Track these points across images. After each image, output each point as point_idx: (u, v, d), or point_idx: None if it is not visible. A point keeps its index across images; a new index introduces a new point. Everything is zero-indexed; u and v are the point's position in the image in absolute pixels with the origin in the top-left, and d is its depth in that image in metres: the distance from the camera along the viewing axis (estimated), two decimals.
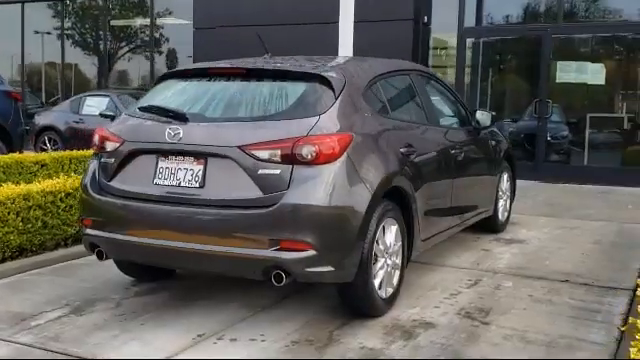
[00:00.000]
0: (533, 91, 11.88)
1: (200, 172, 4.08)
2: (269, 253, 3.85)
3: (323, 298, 4.73)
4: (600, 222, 7.84)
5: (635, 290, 5.00)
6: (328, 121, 4.08)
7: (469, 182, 5.91)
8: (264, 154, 3.93)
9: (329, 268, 3.91)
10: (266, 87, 4.37)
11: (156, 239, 4.13)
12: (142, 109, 4.45)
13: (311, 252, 3.84)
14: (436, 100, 5.75)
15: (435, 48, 12.83)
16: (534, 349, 3.94)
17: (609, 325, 4.37)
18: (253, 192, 3.93)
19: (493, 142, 6.69)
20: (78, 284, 5.10)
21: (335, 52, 11.06)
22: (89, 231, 4.43)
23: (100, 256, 4.44)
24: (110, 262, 5.48)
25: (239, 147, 3.96)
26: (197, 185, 4.07)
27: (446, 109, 5.91)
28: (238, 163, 3.97)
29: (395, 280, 4.52)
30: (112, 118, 9.24)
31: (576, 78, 11.71)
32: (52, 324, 4.23)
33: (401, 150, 4.59)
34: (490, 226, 6.84)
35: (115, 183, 4.36)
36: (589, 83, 11.72)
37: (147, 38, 16.66)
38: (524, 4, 12.17)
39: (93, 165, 4.55)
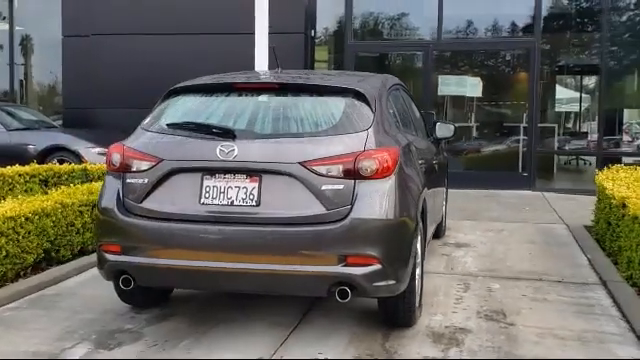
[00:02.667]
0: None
1: (255, 190, 3.95)
2: (338, 269, 3.83)
3: (339, 309, 4.75)
4: (515, 224, 8.50)
5: (605, 284, 5.56)
6: (376, 135, 4.14)
7: (438, 191, 6.19)
8: (327, 169, 3.89)
9: (391, 281, 3.96)
10: (303, 102, 4.30)
11: (204, 261, 3.93)
12: (174, 126, 4.21)
13: (377, 266, 3.87)
14: (412, 112, 5.96)
15: (321, 61, 13.10)
16: (573, 344, 4.25)
17: (610, 317, 4.80)
18: (316, 208, 3.88)
19: (444, 152, 7.05)
20: (75, 316, 4.67)
21: (246, 63, 10.99)
22: (114, 258, 4.10)
23: (127, 284, 4.12)
24: (91, 290, 5.15)
25: (301, 163, 3.89)
26: (253, 203, 3.94)
27: (418, 121, 6.14)
28: (298, 179, 3.90)
29: (419, 289, 4.65)
30: None
31: (456, 91, 12.55)
32: None
33: (419, 161, 4.75)
34: (436, 232, 7.17)
35: (149, 204, 4.07)
36: (468, 95, 12.64)
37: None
38: (408, 21, 12.81)
39: (114, 185, 4.21)
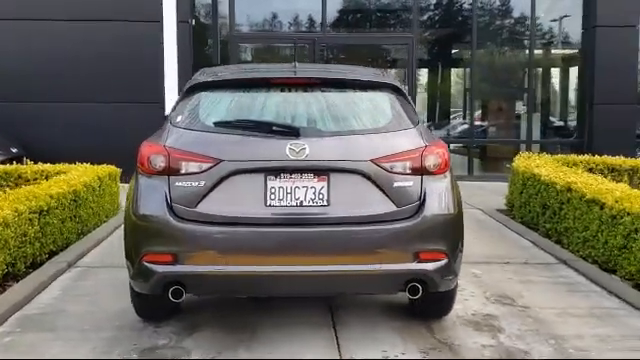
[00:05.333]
0: None
1: (324, 189, 3.81)
2: (413, 266, 3.82)
3: (358, 306, 4.75)
4: None
5: (566, 263, 6.04)
6: (425, 130, 4.18)
7: None
8: (396, 166, 3.86)
9: (453, 274, 4.03)
10: (349, 97, 4.19)
11: (274, 266, 3.74)
12: (225, 124, 3.93)
13: (445, 260, 3.91)
14: None
15: (204, 51, 12.72)
16: (593, 321, 4.58)
17: (597, 293, 5.23)
18: (386, 206, 3.84)
19: None
20: (90, 335, 4.21)
21: (152, 52, 10.41)
22: (166, 269, 3.75)
23: (177, 295, 3.80)
24: (77, 307, 4.72)
25: (372, 160, 3.82)
26: (324, 203, 3.79)
27: None
28: (367, 177, 3.82)
29: None
30: None
31: None
32: None
33: None
34: None
35: (205, 208, 3.76)
36: None
37: None
38: (294, 13, 12.79)
39: (156, 189, 3.82)
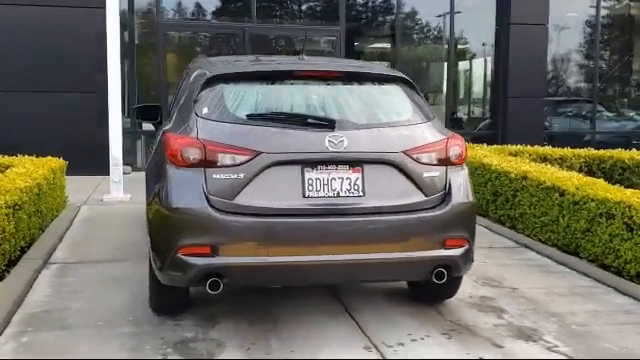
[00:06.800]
0: None
1: (359, 180, 3.91)
2: (442, 252, 4.01)
3: (361, 293, 4.91)
4: None
5: (526, 246, 6.46)
6: (440, 123, 4.37)
7: None
8: (425, 157, 4.03)
9: (472, 260, 4.26)
10: (371, 90, 4.33)
11: (310, 256, 3.82)
12: (258, 116, 3.95)
13: (467, 246, 4.14)
14: None
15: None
16: (579, 299, 4.96)
17: (569, 273, 5.66)
18: (416, 196, 4.00)
19: None
20: (111, 332, 4.10)
21: (90, 40, 10.00)
22: (205, 261, 3.73)
23: (215, 287, 3.79)
24: (77, 303, 4.67)
25: (404, 152, 3.97)
26: (359, 194, 3.90)
27: None
28: (399, 168, 3.97)
29: None
30: None
31: None
32: None
33: None
34: None
35: (243, 200, 3.77)
36: None
37: None
38: (224, 3, 12.66)
39: (192, 181, 3.77)
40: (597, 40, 14.80)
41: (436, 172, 4.06)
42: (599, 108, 15.09)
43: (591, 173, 8.61)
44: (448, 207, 4.03)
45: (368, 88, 4.35)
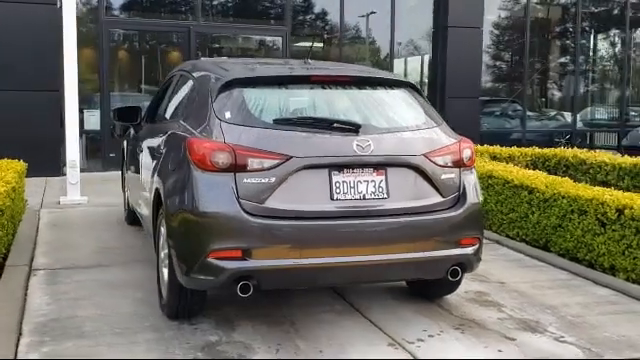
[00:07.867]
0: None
1: (382, 183, 4.03)
2: (458, 251, 4.19)
3: (366, 293, 5.03)
4: None
5: (498, 242, 6.76)
6: (449, 127, 4.55)
7: None
8: (442, 160, 4.20)
9: (481, 258, 4.46)
10: (383, 95, 4.47)
11: (339, 257, 3.91)
12: (285, 121, 4.00)
13: (478, 245, 4.34)
14: None
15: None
16: (564, 290, 5.26)
17: (545, 267, 5.96)
18: (435, 197, 4.17)
19: None
20: (129, 338, 4.05)
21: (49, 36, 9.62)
22: (237, 264, 3.76)
23: (245, 290, 3.82)
24: (82, 311, 4.60)
25: (424, 155, 4.12)
26: (384, 196, 4.02)
27: None
28: (420, 170, 4.12)
29: None
30: None
31: None
32: None
33: None
34: None
35: (274, 204, 3.81)
36: None
37: None
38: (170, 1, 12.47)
39: (222, 186, 3.78)
40: (527, 43, 15.47)
41: (452, 174, 4.23)
42: (517, 107, 15.80)
43: (536, 170, 9.05)
44: (463, 207, 4.21)
45: (381, 93, 4.49)
